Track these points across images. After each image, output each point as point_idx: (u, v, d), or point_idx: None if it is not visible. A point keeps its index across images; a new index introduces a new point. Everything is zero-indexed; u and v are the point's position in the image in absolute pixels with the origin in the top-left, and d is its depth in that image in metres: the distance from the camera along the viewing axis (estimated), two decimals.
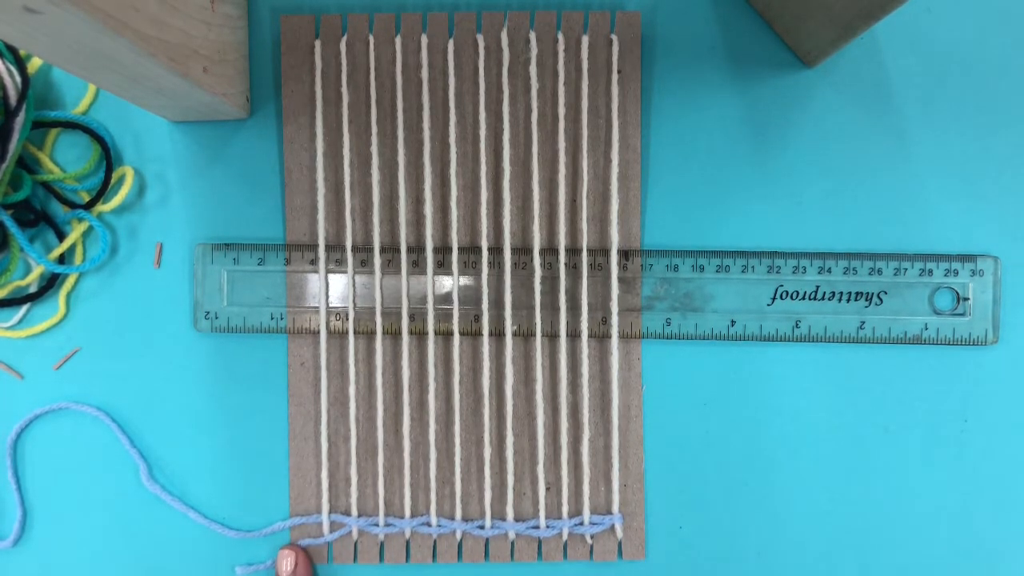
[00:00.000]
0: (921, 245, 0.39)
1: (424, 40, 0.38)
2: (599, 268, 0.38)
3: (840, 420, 0.39)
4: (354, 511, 0.38)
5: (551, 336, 0.38)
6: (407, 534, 0.38)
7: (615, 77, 0.38)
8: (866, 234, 0.39)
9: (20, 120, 0.36)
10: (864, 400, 0.39)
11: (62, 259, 0.39)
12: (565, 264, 0.38)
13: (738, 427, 0.39)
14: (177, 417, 0.39)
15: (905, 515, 0.39)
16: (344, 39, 0.38)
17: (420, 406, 0.38)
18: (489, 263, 0.38)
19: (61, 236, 0.39)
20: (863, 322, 0.38)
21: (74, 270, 0.38)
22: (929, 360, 0.39)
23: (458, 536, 0.38)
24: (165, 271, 0.39)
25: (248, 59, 0.39)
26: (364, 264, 0.38)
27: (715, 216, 0.39)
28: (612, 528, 0.38)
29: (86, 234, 0.39)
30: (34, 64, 0.39)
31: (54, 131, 0.39)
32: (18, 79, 0.36)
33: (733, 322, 0.38)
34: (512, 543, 0.38)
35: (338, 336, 0.38)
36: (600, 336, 0.38)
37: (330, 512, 0.38)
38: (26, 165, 0.39)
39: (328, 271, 0.38)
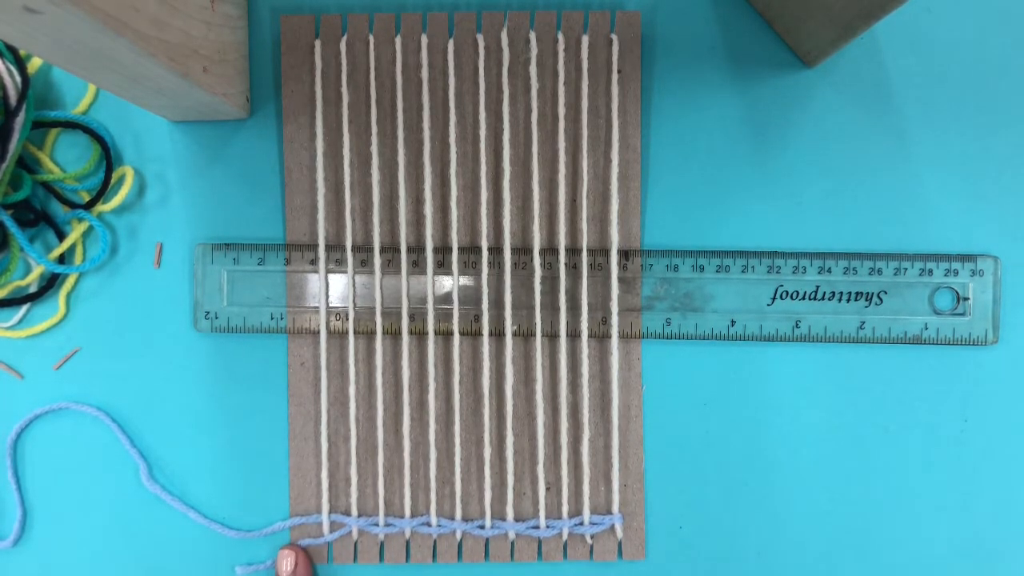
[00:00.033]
0: (921, 245, 0.39)
1: (424, 40, 0.38)
2: (599, 268, 0.38)
3: (840, 420, 0.39)
4: (354, 511, 0.38)
5: (551, 336, 0.38)
6: (407, 534, 0.38)
7: (615, 77, 0.38)
8: (866, 234, 0.39)
9: (20, 120, 0.36)
10: (864, 400, 0.39)
11: (62, 259, 0.39)
12: (565, 264, 0.38)
13: (738, 427, 0.39)
14: (177, 417, 0.39)
15: (905, 515, 0.39)
16: (344, 39, 0.38)
17: (420, 406, 0.38)
18: (489, 263, 0.38)
19: (61, 236, 0.39)
20: (863, 322, 0.38)
21: (74, 270, 0.38)
22: (929, 360, 0.39)
23: (458, 536, 0.38)
24: (165, 271, 0.39)
25: (248, 59, 0.39)
26: (364, 264, 0.38)
27: (715, 216, 0.39)
28: (612, 528, 0.38)
29: (86, 234, 0.39)
30: (34, 64, 0.39)
31: (54, 131, 0.39)
32: (18, 79, 0.36)
33: (733, 322, 0.38)
34: (512, 543, 0.38)
35: (338, 336, 0.38)
36: (600, 336, 0.38)
37: (330, 512, 0.38)
38: (26, 165, 0.39)
39: (328, 271, 0.38)
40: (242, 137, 0.39)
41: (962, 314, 0.38)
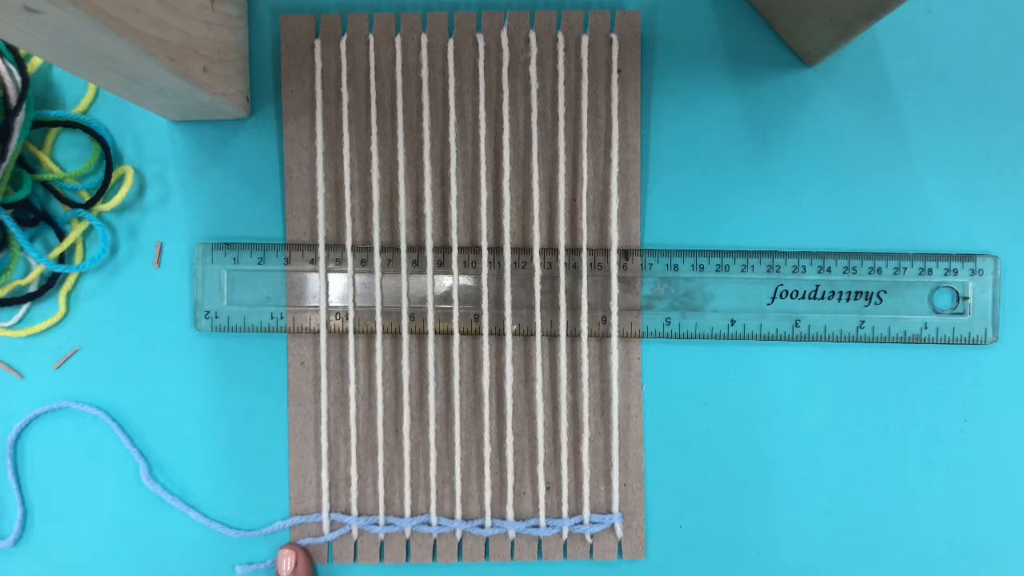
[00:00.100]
0: (921, 244, 0.39)
1: (424, 40, 0.38)
2: (599, 268, 0.38)
3: (840, 420, 0.39)
4: (354, 511, 0.38)
5: (551, 336, 0.38)
6: (407, 533, 0.38)
7: (615, 77, 0.38)
8: (866, 234, 0.39)
9: (20, 119, 0.36)
10: (864, 400, 0.39)
11: (62, 258, 0.39)
12: (565, 264, 0.38)
13: (738, 427, 0.39)
14: (177, 417, 0.39)
15: (905, 515, 0.39)
16: (344, 39, 0.38)
17: (420, 406, 0.38)
18: (489, 263, 0.38)
19: (61, 235, 0.39)
20: (863, 321, 0.38)
21: (74, 269, 0.38)
22: (929, 360, 0.39)
23: (458, 535, 0.38)
24: (165, 271, 0.39)
25: (248, 59, 0.39)
26: (364, 264, 0.38)
27: (715, 216, 0.39)
28: (612, 527, 0.38)
29: (86, 233, 0.39)
30: (34, 64, 0.39)
31: (54, 130, 0.39)
32: (18, 79, 0.36)
33: (733, 321, 0.38)
34: (512, 542, 0.38)
35: (338, 336, 0.38)
36: (600, 336, 0.38)
37: (330, 512, 0.38)
38: (26, 164, 0.39)
39: (328, 270, 0.38)
40: (242, 137, 0.39)
41: (962, 314, 0.38)
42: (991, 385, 0.39)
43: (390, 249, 0.38)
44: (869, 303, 0.38)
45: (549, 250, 0.38)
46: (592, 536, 0.38)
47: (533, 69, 0.37)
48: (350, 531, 0.38)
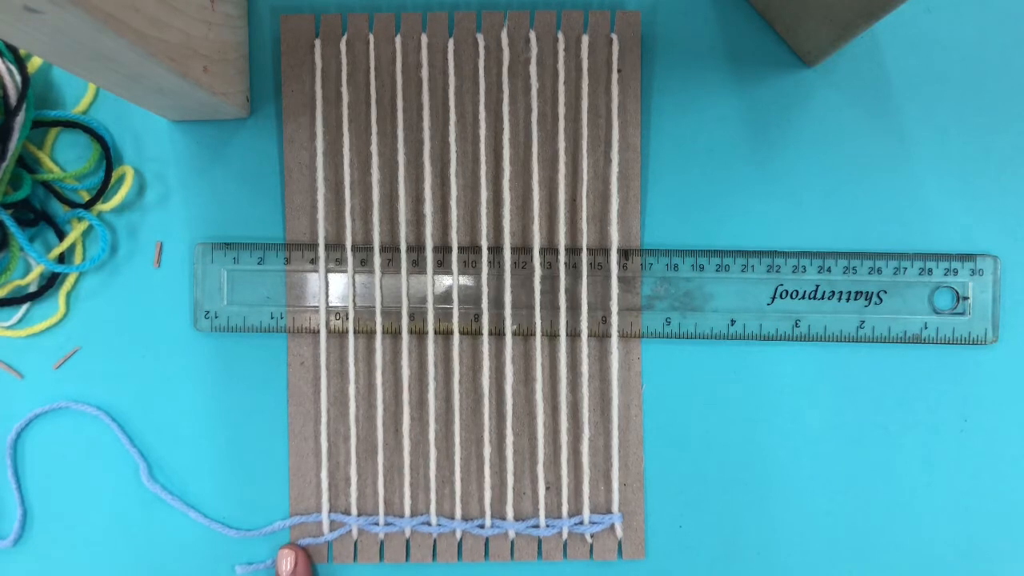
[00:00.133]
0: (921, 245, 0.39)
1: (424, 40, 0.38)
2: (599, 267, 0.38)
3: (840, 420, 0.39)
4: (354, 510, 0.38)
5: (551, 336, 0.38)
6: (407, 533, 0.38)
7: (615, 77, 0.38)
8: (866, 234, 0.39)
9: (20, 119, 0.36)
10: (864, 400, 0.39)
11: (62, 258, 0.39)
12: (565, 263, 0.38)
13: (738, 427, 0.39)
14: (177, 417, 0.39)
15: (905, 515, 0.39)
16: (344, 39, 0.38)
17: (420, 405, 0.38)
18: (489, 263, 0.38)
19: (61, 235, 0.39)
20: (863, 321, 0.38)
21: (74, 269, 0.38)
22: (929, 360, 0.39)
23: (458, 535, 0.38)
24: (165, 271, 0.39)
25: (248, 59, 0.39)
26: (364, 263, 0.38)
27: (715, 216, 0.39)
28: (612, 527, 0.38)
29: (86, 233, 0.39)
30: (34, 64, 0.39)
31: (54, 130, 0.39)
32: (18, 79, 0.36)
33: (733, 321, 0.38)
34: (512, 542, 0.38)
35: (338, 335, 0.38)
36: (600, 336, 0.38)
37: (330, 511, 0.38)
38: (26, 164, 0.39)
39: (328, 270, 0.38)
40: (242, 137, 0.39)
41: (962, 313, 0.38)
42: (991, 385, 0.39)
43: (390, 249, 0.38)
44: (869, 303, 0.38)
45: (549, 250, 0.38)
46: (592, 536, 0.38)
47: (533, 69, 0.37)
48: (350, 531, 0.38)
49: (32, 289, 0.39)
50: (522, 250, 0.38)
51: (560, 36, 0.38)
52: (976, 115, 0.38)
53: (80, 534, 0.39)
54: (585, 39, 0.38)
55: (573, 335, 0.38)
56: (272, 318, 0.38)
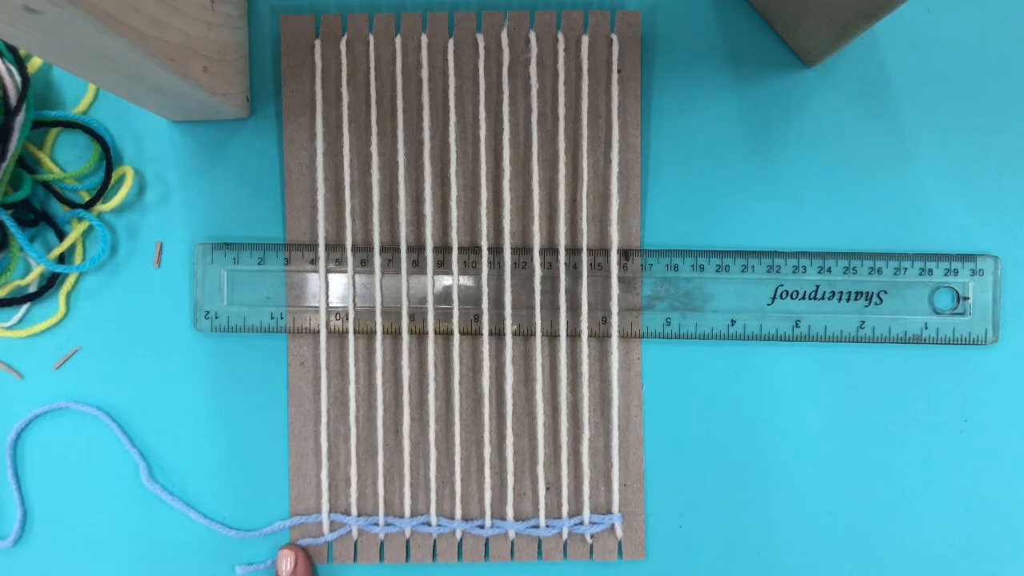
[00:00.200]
0: (921, 245, 0.39)
1: (424, 40, 0.38)
2: (599, 268, 0.38)
3: (840, 420, 0.39)
4: (354, 511, 0.38)
5: (551, 336, 0.38)
6: (407, 534, 0.38)
7: (615, 77, 0.38)
8: (866, 234, 0.39)
9: (20, 120, 0.36)
10: (864, 400, 0.39)
11: (62, 259, 0.39)
12: (565, 264, 0.38)
13: (738, 427, 0.39)
14: (177, 417, 0.39)
15: (905, 515, 0.39)
16: (344, 39, 0.38)
17: (420, 406, 0.38)
18: (489, 263, 0.38)
19: (61, 236, 0.39)
20: (863, 322, 0.38)
21: (74, 270, 0.38)
22: (929, 360, 0.39)
23: (458, 536, 0.38)
24: (165, 271, 0.39)
25: (248, 59, 0.39)
26: (364, 264, 0.38)
27: (715, 216, 0.39)
28: (612, 528, 0.38)
29: (86, 234, 0.39)
30: (34, 64, 0.39)
31: (54, 131, 0.39)
32: (18, 79, 0.36)
33: (733, 322, 0.38)
34: (512, 543, 0.38)
35: (338, 336, 0.38)
36: (600, 336, 0.38)
37: (330, 512, 0.38)
38: (26, 165, 0.39)
39: (328, 271, 0.38)
40: (242, 137, 0.39)
41: (962, 314, 0.38)
42: (991, 385, 0.39)
43: (390, 249, 0.38)
44: (869, 303, 0.38)
45: (549, 250, 0.38)
46: (592, 536, 0.38)
47: (533, 69, 0.37)
48: (350, 531, 0.38)
49: (32, 289, 0.39)
50: (522, 250, 0.38)
51: (560, 36, 0.38)
52: (976, 115, 0.38)
53: (80, 534, 0.39)
54: (585, 39, 0.38)
55: (573, 335, 0.38)
56: (272, 318, 0.38)
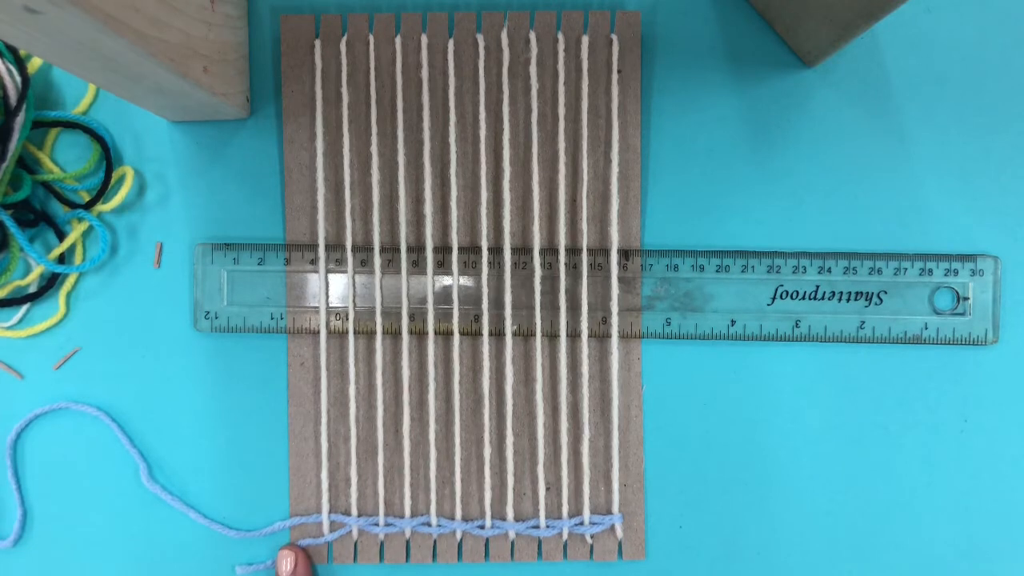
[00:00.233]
0: (921, 245, 0.39)
1: (424, 40, 0.38)
2: (599, 268, 0.38)
3: (840, 420, 0.39)
4: (354, 511, 0.38)
5: (551, 336, 0.38)
6: (407, 534, 0.38)
7: (615, 77, 0.38)
8: (866, 234, 0.39)
9: (20, 120, 0.36)
10: (864, 400, 0.39)
11: (62, 259, 0.39)
12: (565, 264, 0.38)
13: (738, 427, 0.39)
14: (177, 417, 0.39)
15: (905, 515, 0.39)
16: (344, 39, 0.38)
17: (420, 406, 0.38)
18: (489, 263, 0.38)
19: (61, 236, 0.39)
20: (863, 322, 0.38)
21: (74, 270, 0.38)
22: (929, 360, 0.39)
23: (458, 536, 0.38)
24: (165, 271, 0.39)
25: (248, 59, 0.39)
26: (364, 264, 0.38)
27: (715, 216, 0.39)
28: (612, 528, 0.38)
29: (86, 234, 0.39)
30: (34, 64, 0.39)
31: (54, 131, 0.39)
32: (18, 79, 0.36)
33: (733, 322, 0.38)
34: (512, 543, 0.38)
35: (338, 336, 0.38)
36: (600, 336, 0.38)
37: (330, 512, 0.38)
38: (26, 165, 0.39)
39: (328, 271, 0.38)
40: (242, 137, 0.39)
41: (962, 314, 0.38)
42: (991, 385, 0.39)
43: (390, 249, 0.38)
44: (869, 303, 0.38)
45: (549, 250, 0.38)
46: (592, 537, 0.38)
47: (533, 69, 0.37)
48: (350, 531, 0.38)
49: (32, 290, 0.39)
50: (522, 250, 0.38)
51: (560, 37, 0.38)
52: (976, 115, 0.38)
53: (80, 534, 0.39)
54: (585, 39, 0.38)
55: (573, 336, 0.38)
56: (272, 318, 0.38)
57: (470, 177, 0.38)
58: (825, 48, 0.36)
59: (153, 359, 0.39)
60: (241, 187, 0.39)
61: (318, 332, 0.38)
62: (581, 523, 0.38)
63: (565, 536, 0.38)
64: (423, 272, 0.38)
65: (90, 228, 0.39)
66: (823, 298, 0.38)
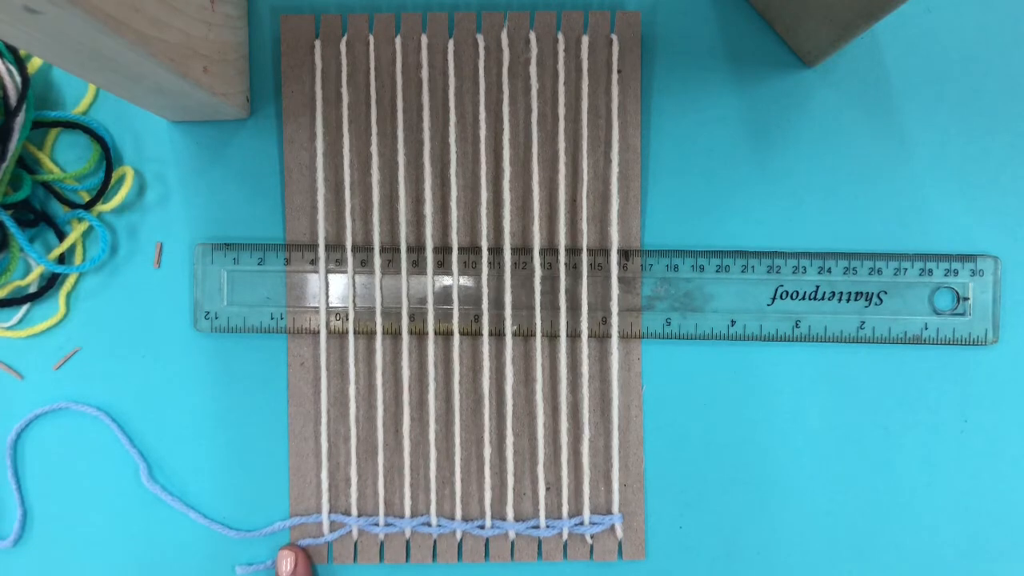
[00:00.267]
0: (921, 245, 0.39)
1: (424, 40, 0.38)
2: (599, 268, 0.38)
3: (840, 420, 0.39)
4: (354, 511, 0.38)
5: (551, 336, 0.38)
6: (407, 534, 0.38)
7: (615, 77, 0.38)
8: (866, 234, 0.39)
9: (20, 120, 0.36)
10: (864, 400, 0.39)
11: (62, 259, 0.39)
12: (565, 264, 0.38)
13: (738, 427, 0.39)
14: (177, 417, 0.39)
15: (905, 515, 0.39)
16: (344, 39, 0.38)
17: (420, 406, 0.38)
18: (489, 263, 0.38)
19: (61, 236, 0.39)
20: (863, 322, 0.38)
21: (74, 270, 0.38)
22: (929, 360, 0.39)
23: (458, 536, 0.38)
24: (165, 271, 0.39)
25: (248, 59, 0.39)
26: (364, 264, 0.38)
27: (715, 216, 0.39)
28: (612, 528, 0.38)
29: (86, 234, 0.39)
30: (34, 64, 0.39)
31: (54, 131, 0.39)
32: (18, 79, 0.36)
33: (733, 322, 0.38)
34: (512, 543, 0.38)
35: (338, 336, 0.38)
36: (600, 336, 0.38)
37: (330, 512, 0.38)
38: (26, 165, 0.39)
39: (328, 271, 0.38)
40: (242, 137, 0.39)
41: (962, 314, 0.38)
42: (991, 385, 0.39)
43: (390, 249, 0.38)
44: (869, 304, 0.38)
45: (549, 250, 0.38)
46: (592, 537, 0.38)
47: (533, 70, 0.37)
48: (350, 532, 0.38)
49: (32, 290, 0.39)
50: (522, 251, 0.38)
51: (560, 37, 0.38)
52: (976, 115, 0.38)
53: (80, 534, 0.39)
54: (585, 40, 0.38)
55: (573, 336, 0.38)
56: (272, 319, 0.38)
57: (470, 177, 0.38)
58: (825, 48, 0.36)
59: (153, 359, 0.39)
60: (241, 187, 0.39)
61: (318, 332, 0.38)
62: (581, 523, 0.38)
63: (565, 536, 0.38)
64: (423, 272, 0.38)
65: (90, 228, 0.39)
66: (823, 298, 0.38)
